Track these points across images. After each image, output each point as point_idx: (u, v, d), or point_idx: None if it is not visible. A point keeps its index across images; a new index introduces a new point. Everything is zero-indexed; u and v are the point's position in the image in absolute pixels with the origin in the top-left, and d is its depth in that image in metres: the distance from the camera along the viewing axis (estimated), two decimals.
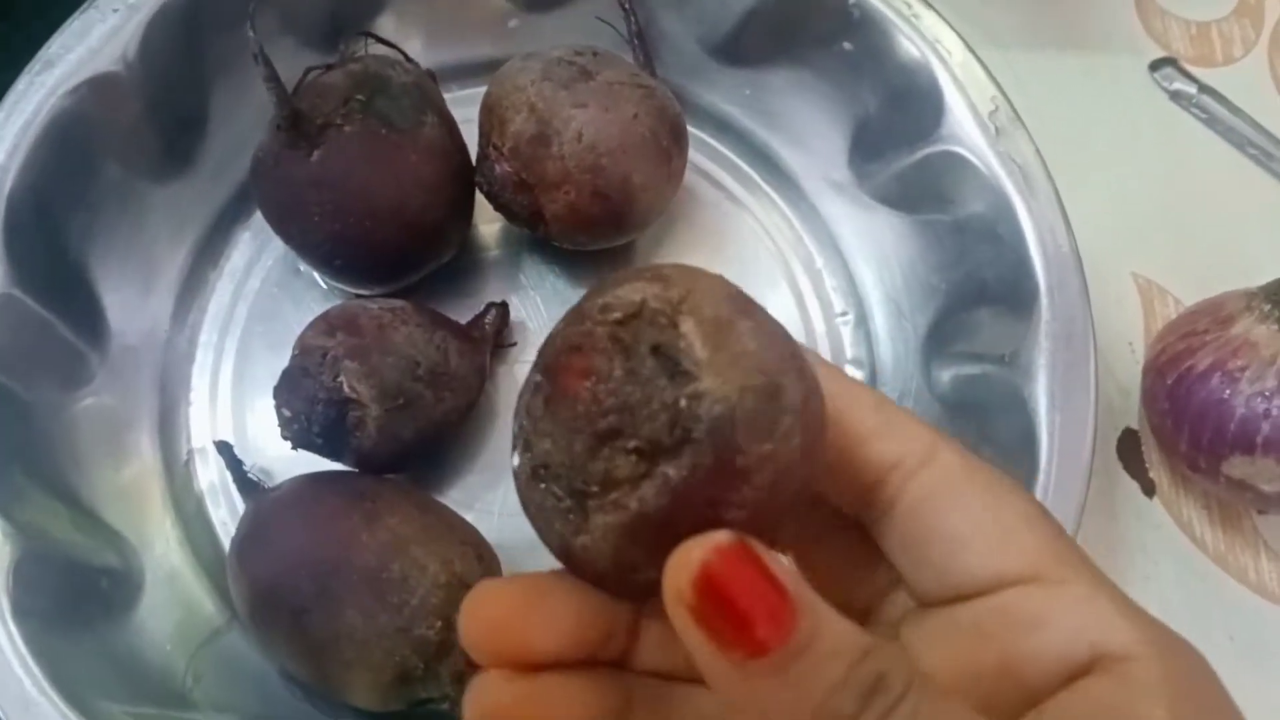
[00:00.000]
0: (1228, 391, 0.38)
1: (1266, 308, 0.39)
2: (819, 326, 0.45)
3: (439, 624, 0.33)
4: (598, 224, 0.41)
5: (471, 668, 0.21)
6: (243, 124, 0.43)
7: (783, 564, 0.18)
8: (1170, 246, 0.48)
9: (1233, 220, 0.48)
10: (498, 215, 0.42)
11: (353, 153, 0.38)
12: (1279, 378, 0.37)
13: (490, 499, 0.41)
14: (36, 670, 0.33)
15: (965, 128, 0.40)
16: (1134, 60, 0.51)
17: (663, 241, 0.46)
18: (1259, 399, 0.37)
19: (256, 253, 0.45)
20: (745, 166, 0.47)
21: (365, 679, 0.34)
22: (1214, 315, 0.40)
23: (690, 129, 0.46)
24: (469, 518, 0.41)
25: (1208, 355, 0.39)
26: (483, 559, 0.36)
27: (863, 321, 0.45)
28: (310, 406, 0.36)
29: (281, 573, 0.35)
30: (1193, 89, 0.50)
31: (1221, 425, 0.38)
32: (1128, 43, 0.51)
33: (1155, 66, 0.51)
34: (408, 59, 0.43)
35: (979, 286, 0.41)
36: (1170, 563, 0.44)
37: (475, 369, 0.40)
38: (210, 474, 0.42)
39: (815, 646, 0.18)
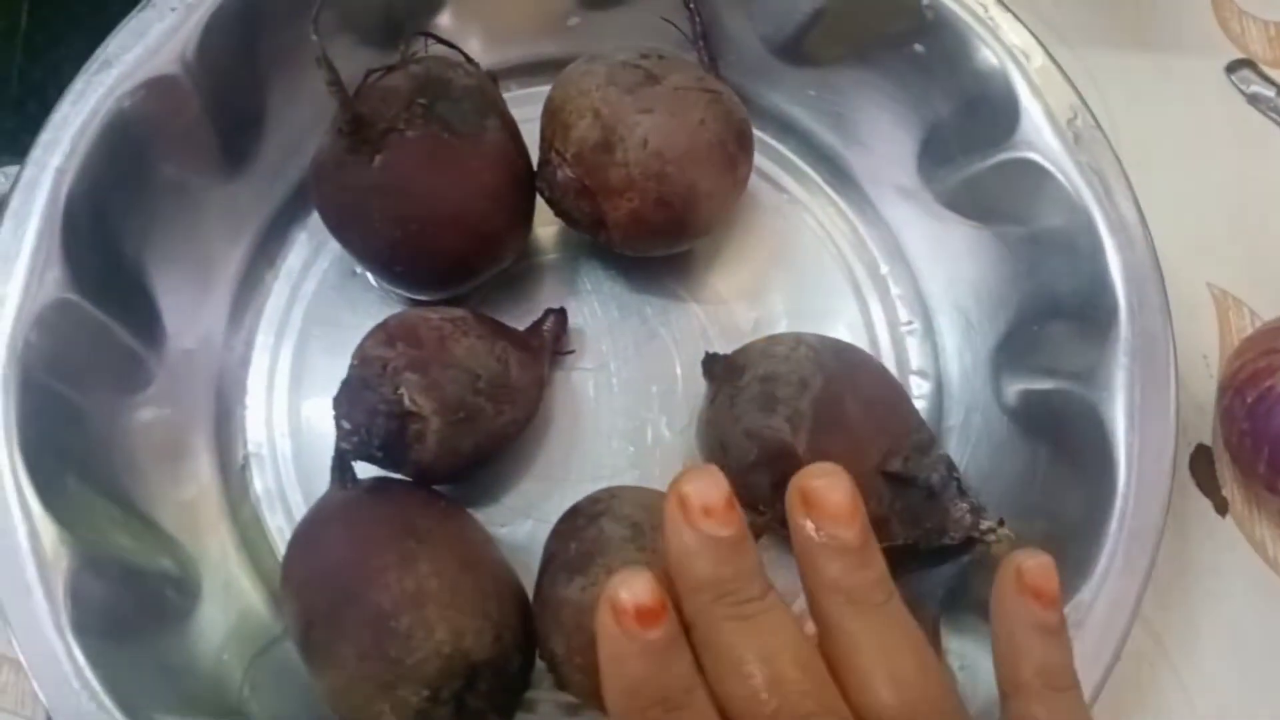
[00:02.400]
0: None
1: None
2: (883, 336, 0.44)
3: (425, 693, 0.32)
4: (660, 231, 0.40)
5: None
6: (299, 123, 0.43)
7: None
8: (1246, 256, 0.46)
9: None
10: (555, 218, 0.41)
11: (415, 159, 0.37)
12: None
13: (546, 509, 0.41)
14: (94, 682, 0.33)
15: (1042, 134, 0.39)
16: (1210, 62, 0.49)
17: (723, 247, 0.45)
18: None
19: (313, 254, 0.44)
20: (809, 169, 0.46)
21: (345, 714, 0.33)
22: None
23: (754, 130, 0.46)
24: (526, 526, 0.41)
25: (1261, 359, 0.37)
26: (499, 640, 0.34)
27: (929, 333, 0.44)
28: (370, 419, 0.36)
29: (308, 578, 0.34)
30: (1271, 92, 0.48)
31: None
32: (1203, 44, 0.49)
33: (1232, 69, 0.49)
34: (468, 59, 0.42)
35: (1052, 300, 0.39)
36: (1242, 584, 0.42)
37: (535, 380, 0.39)
38: (266, 479, 0.42)
39: None
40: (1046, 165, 0.39)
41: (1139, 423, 0.36)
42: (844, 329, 0.44)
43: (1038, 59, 0.40)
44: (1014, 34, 0.40)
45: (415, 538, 0.35)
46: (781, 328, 0.44)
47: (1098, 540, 0.35)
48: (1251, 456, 0.39)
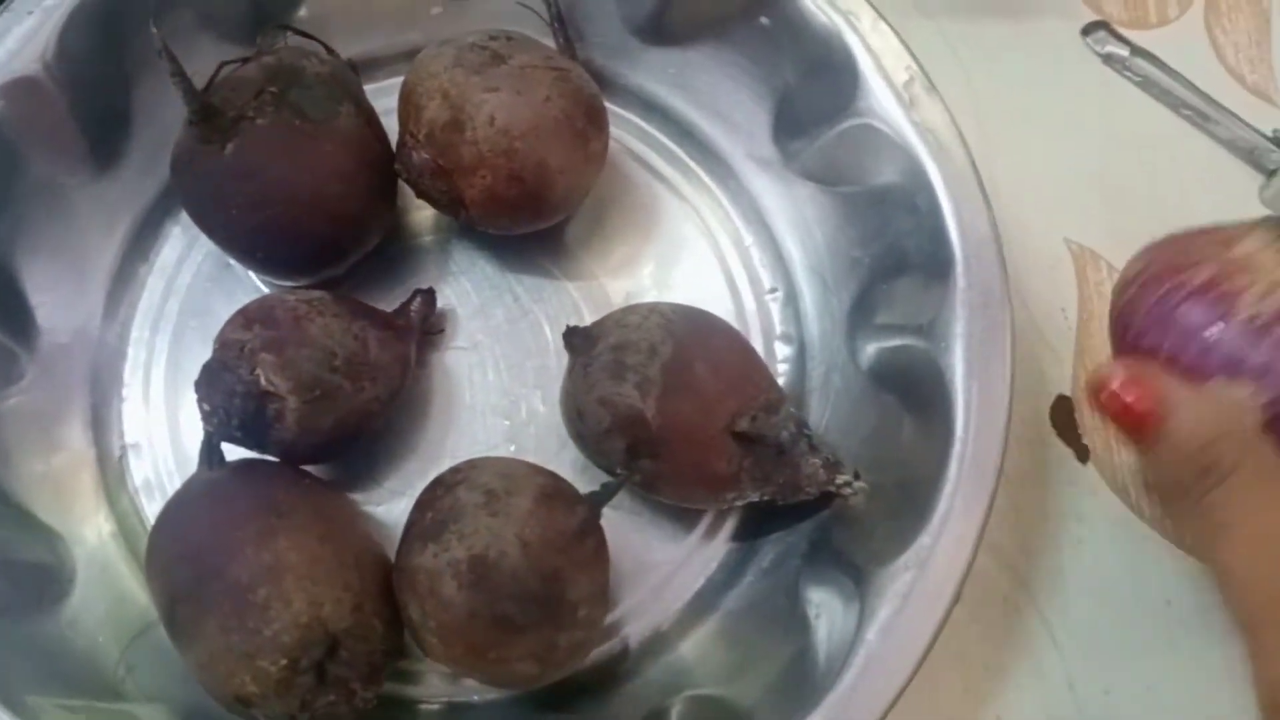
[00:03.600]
0: (1225, 311, 0.35)
1: (1273, 236, 0.36)
2: (749, 304, 0.45)
3: (284, 662, 0.33)
4: (517, 207, 0.41)
5: None
6: (169, 119, 0.43)
7: (1157, 386, 0.34)
8: (1104, 212, 0.48)
9: (1168, 183, 0.48)
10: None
11: (266, 145, 0.38)
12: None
13: (421, 487, 0.41)
14: None
15: (881, 99, 0.40)
16: (1067, 24, 0.51)
17: (593, 224, 0.46)
18: (1255, 322, 0.35)
19: (187, 248, 0.45)
20: (673, 146, 0.47)
21: (210, 688, 0.34)
22: (1214, 236, 0.37)
23: (618, 110, 0.47)
24: (401, 505, 0.41)
25: (1207, 270, 0.36)
26: (359, 609, 0.35)
27: (792, 298, 0.45)
28: (229, 400, 0.37)
29: (171, 557, 0.35)
30: (1125, 52, 0.50)
31: (1214, 345, 0.35)
32: (1061, 7, 0.51)
33: (1087, 30, 0.50)
34: (329, 50, 0.43)
35: (900, 258, 0.41)
36: (1106, 528, 0.44)
37: (397, 357, 0.40)
38: (145, 469, 0.42)
39: (1168, 439, 0.33)
40: (885, 129, 0.40)
41: (976, 370, 0.37)
42: (711, 297, 0.45)
43: (874, 26, 0.41)
44: (850, 3, 0.41)
45: (276, 513, 0.36)
46: (650, 298, 0.45)
47: (939, 484, 0.36)
48: (1151, 354, 0.37)
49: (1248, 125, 0.49)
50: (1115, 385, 0.34)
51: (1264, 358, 0.35)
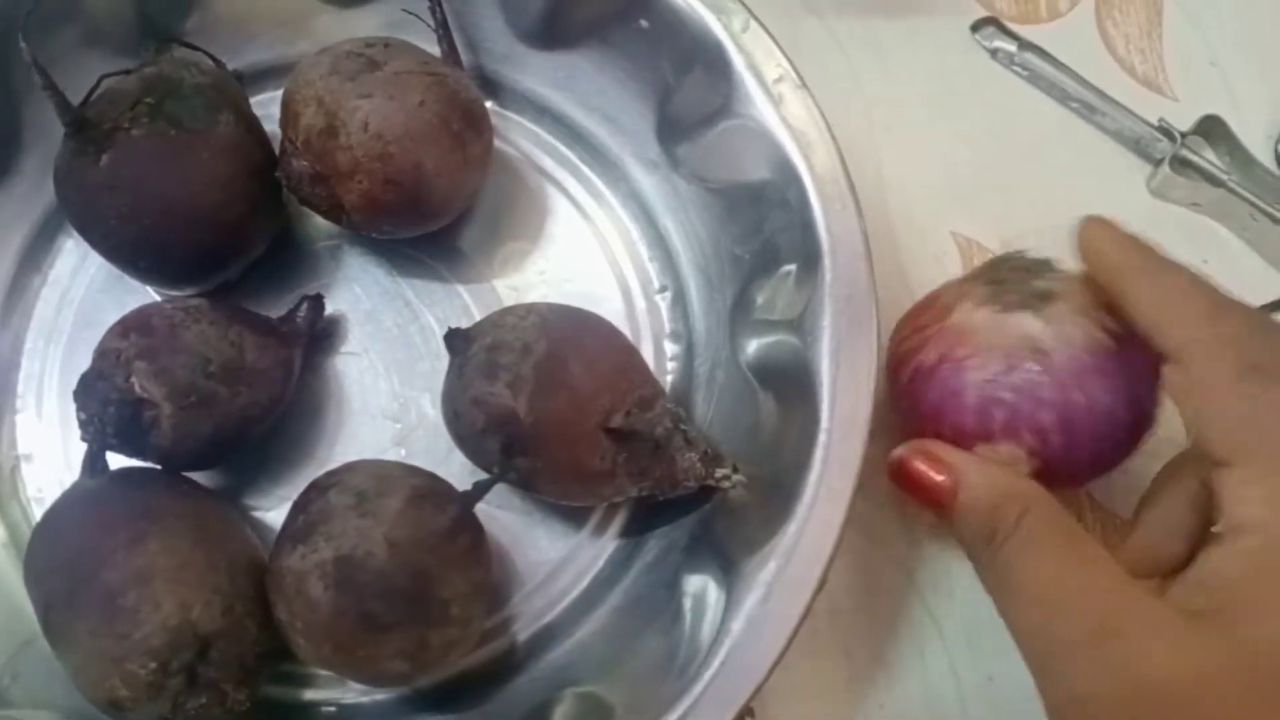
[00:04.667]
0: (958, 383, 0.37)
1: (983, 291, 0.38)
2: (640, 303, 0.46)
3: (153, 665, 0.33)
4: (395, 211, 0.41)
5: None
6: (59, 133, 0.44)
7: (944, 458, 0.35)
8: (991, 205, 0.48)
9: (1056, 175, 0.49)
10: None
11: (141, 155, 0.39)
12: (1005, 359, 0.36)
13: None
14: None
15: (754, 98, 0.41)
16: (957, 21, 0.51)
17: (484, 227, 0.46)
18: (988, 386, 0.37)
19: (81, 259, 0.45)
20: (564, 149, 0.47)
21: (85, 693, 0.35)
22: (933, 307, 0.39)
23: (509, 114, 0.48)
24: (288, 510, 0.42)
25: (934, 349, 0.38)
26: (230, 611, 0.35)
27: (680, 296, 0.45)
28: (104, 408, 0.37)
29: (47, 564, 0.36)
30: (1013, 47, 0.50)
31: (959, 418, 0.37)
32: (951, 4, 0.51)
33: (976, 27, 0.51)
34: (216, 61, 0.44)
35: (775, 254, 0.41)
36: None
37: (278, 363, 0.40)
38: (37, 479, 0.43)
39: (962, 508, 0.34)
40: (757, 127, 0.41)
41: (841, 362, 0.38)
42: (603, 297, 0.45)
43: (746, 25, 0.41)
44: (723, 2, 0.41)
45: (148, 518, 0.36)
46: (537, 296, 0.45)
47: (804, 474, 0.36)
48: (920, 435, 0.39)
49: (1134, 115, 0.49)
50: (908, 462, 0.36)
51: (1006, 414, 0.37)
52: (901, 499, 0.43)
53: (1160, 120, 0.49)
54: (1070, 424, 0.36)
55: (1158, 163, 0.49)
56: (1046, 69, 0.50)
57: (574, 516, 0.43)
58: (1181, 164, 0.48)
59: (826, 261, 0.39)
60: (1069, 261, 0.38)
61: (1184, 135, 0.48)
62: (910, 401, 0.39)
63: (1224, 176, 0.47)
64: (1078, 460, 0.37)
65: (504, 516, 0.42)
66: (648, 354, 0.44)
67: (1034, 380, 0.36)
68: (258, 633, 0.36)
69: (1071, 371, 0.36)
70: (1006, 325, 0.37)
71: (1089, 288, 0.37)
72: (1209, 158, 0.48)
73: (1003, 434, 0.37)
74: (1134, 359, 0.36)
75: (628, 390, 0.39)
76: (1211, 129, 0.49)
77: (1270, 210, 0.46)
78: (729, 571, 0.37)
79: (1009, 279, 0.38)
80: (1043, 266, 0.39)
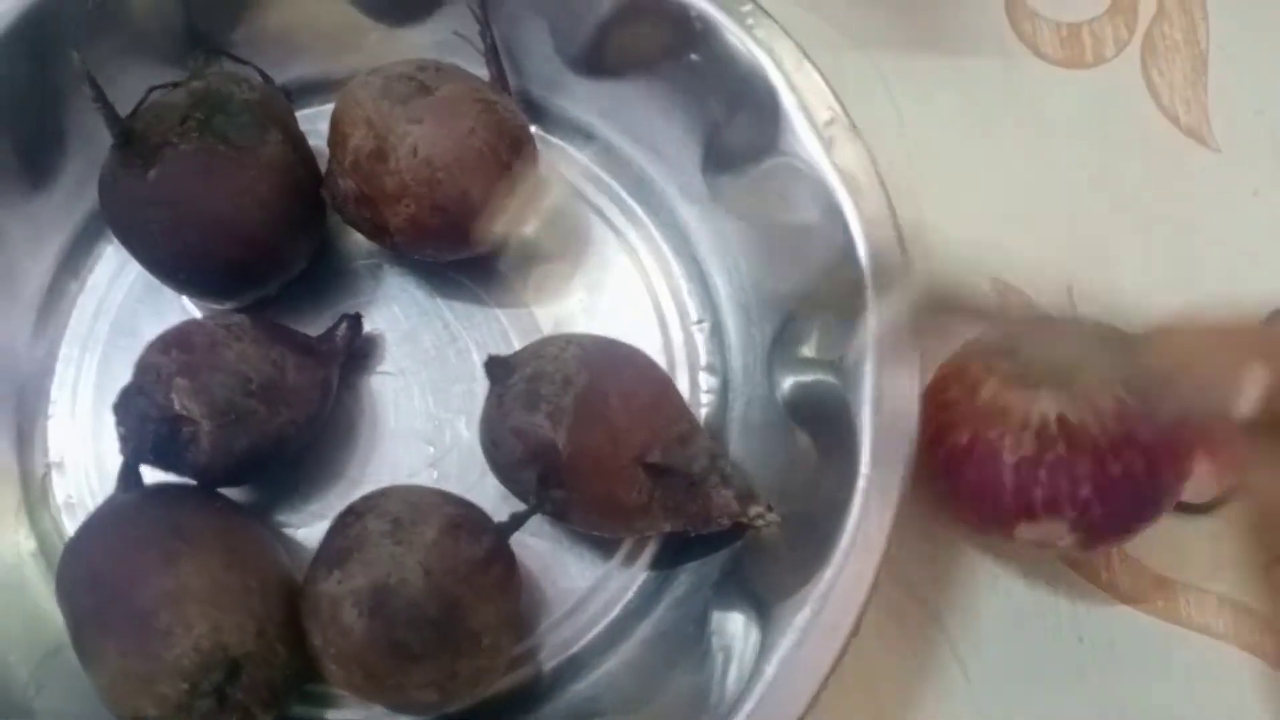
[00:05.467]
0: (994, 467, 0.37)
1: (1009, 366, 0.38)
2: (676, 334, 0.45)
3: (184, 686, 0.33)
4: (440, 236, 0.41)
5: None
6: (103, 140, 0.43)
7: None
8: (1029, 251, 0.48)
9: (1094, 224, 0.49)
10: None
11: (188, 170, 0.39)
12: (1036, 440, 0.36)
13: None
14: None
15: (802, 139, 0.41)
16: (1001, 62, 0.51)
17: (524, 251, 0.46)
18: (1023, 467, 0.37)
19: (119, 267, 0.45)
20: (606, 176, 0.47)
21: (114, 710, 0.35)
22: (961, 381, 0.39)
23: (553, 139, 0.48)
24: (322, 529, 0.42)
25: (965, 430, 0.38)
26: (262, 634, 0.35)
27: (718, 329, 0.45)
28: (142, 424, 0.37)
29: (78, 580, 0.36)
30: None
31: (999, 499, 0.38)
32: (995, 45, 0.51)
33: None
34: (263, 75, 0.44)
35: (816, 295, 0.41)
36: (1020, 565, 0.44)
37: (316, 382, 0.40)
38: (68, 488, 0.43)
39: None
40: (805, 168, 0.40)
41: (882, 408, 0.37)
42: (640, 327, 0.45)
43: (799, 65, 0.41)
44: (776, 41, 0.41)
45: (181, 538, 0.36)
46: (579, 327, 0.45)
47: (842, 519, 0.36)
48: (959, 508, 0.40)
49: None
50: None
51: (1045, 493, 0.37)
52: (932, 539, 0.43)
53: None
54: (1108, 494, 0.37)
55: None
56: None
57: (604, 545, 0.43)
58: None
59: (870, 306, 0.39)
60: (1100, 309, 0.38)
61: None
62: (949, 480, 0.39)
63: None
64: (1118, 524, 0.38)
65: (534, 543, 0.42)
66: (683, 386, 0.44)
67: (1068, 459, 0.36)
68: (288, 655, 0.36)
69: (1106, 445, 0.37)
70: (1035, 404, 0.37)
71: (1118, 347, 0.37)
72: None
73: (1044, 511, 0.37)
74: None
75: (666, 425, 0.39)
76: None
77: None
78: (761, 612, 0.37)
79: (1034, 349, 0.38)
80: (1068, 329, 0.39)
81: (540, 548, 0.42)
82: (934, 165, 0.49)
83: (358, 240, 0.46)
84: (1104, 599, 0.44)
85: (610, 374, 0.39)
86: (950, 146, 0.49)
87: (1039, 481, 0.37)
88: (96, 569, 0.36)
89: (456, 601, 0.35)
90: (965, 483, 0.38)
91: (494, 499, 0.41)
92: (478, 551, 0.36)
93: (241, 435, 0.38)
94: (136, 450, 0.37)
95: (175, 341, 0.38)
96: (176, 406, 0.37)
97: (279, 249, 0.41)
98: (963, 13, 0.52)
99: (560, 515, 0.40)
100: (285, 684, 0.36)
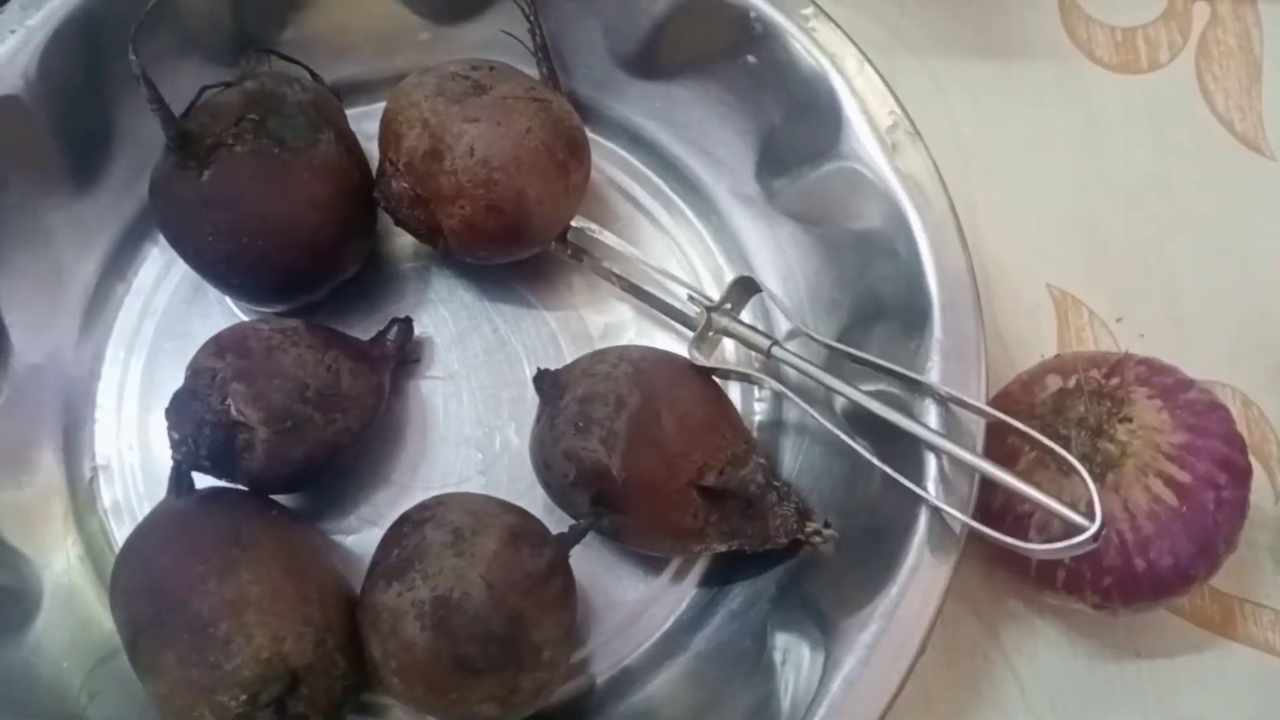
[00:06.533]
0: (1021, 538, 0.36)
1: (1044, 448, 0.36)
2: (729, 341, 0.45)
3: (243, 697, 0.33)
4: (495, 238, 0.41)
5: None
6: (150, 140, 0.42)
7: None
8: (1085, 257, 0.47)
9: (1151, 227, 0.48)
10: None
11: (243, 173, 0.38)
12: (1063, 524, 0.34)
13: (392, 517, 0.40)
14: None
15: (864, 144, 0.40)
16: (1055, 66, 0.50)
17: (574, 255, 0.46)
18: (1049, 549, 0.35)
19: (165, 269, 0.45)
20: (657, 179, 0.47)
21: (169, 718, 0.34)
22: (1000, 444, 0.38)
23: (603, 141, 0.47)
24: (373, 535, 0.41)
25: (999, 494, 0.38)
26: (322, 645, 0.35)
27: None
28: (198, 429, 0.36)
29: (133, 587, 0.35)
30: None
31: (1024, 569, 0.40)
32: (1049, 49, 0.51)
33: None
34: (313, 75, 0.43)
35: (877, 302, 0.40)
36: None
37: (370, 388, 0.40)
38: (114, 492, 0.42)
39: None
40: (867, 173, 0.40)
41: (947, 419, 0.37)
42: (690, 333, 0.45)
43: (860, 69, 0.40)
44: (837, 45, 0.41)
45: (239, 545, 0.36)
46: (630, 334, 0.45)
47: (908, 535, 0.36)
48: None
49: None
50: None
51: (1067, 576, 0.38)
52: (989, 558, 0.43)
53: None
54: (1131, 584, 0.38)
55: None
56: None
57: (656, 559, 0.42)
58: None
59: (936, 315, 0.38)
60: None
61: None
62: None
63: None
64: (1140, 604, 0.39)
65: (586, 553, 0.41)
66: (735, 396, 0.44)
67: (1095, 551, 0.35)
68: (346, 666, 0.36)
69: (1135, 542, 0.37)
70: (1064, 491, 0.37)
71: (1158, 436, 0.38)
72: None
73: (1065, 589, 0.39)
74: (1200, 501, 0.37)
75: (721, 446, 0.38)
76: None
77: None
78: (825, 629, 0.36)
79: (1075, 432, 0.38)
80: (1113, 414, 0.38)
81: (592, 558, 0.42)
82: (987, 169, 0.48)
83: (404, 242, 0.46)
84: (1161, 614, 0.43)
85: (663, 394, 0.38)
86: (1004, 151, 0.49)
87: (1062, 564, 0.38)
88: (155, 576, 0.35)
89: (519, 616, 0.34)
90: (994, 546, 0.37)
91: (543, 508, 0.40)
92: (539, 564, 0.35)
93: (297, 443, 0.37)
94: (190, 455, 0.37)
95: (230, 345, 0.38)
96: (233, 412, 0.36)
97: (333, 253, 0.41)
98: (1016, 17, 0.51)
99: (615, 536, 0.39)
100: (344, 695, 0.36)
